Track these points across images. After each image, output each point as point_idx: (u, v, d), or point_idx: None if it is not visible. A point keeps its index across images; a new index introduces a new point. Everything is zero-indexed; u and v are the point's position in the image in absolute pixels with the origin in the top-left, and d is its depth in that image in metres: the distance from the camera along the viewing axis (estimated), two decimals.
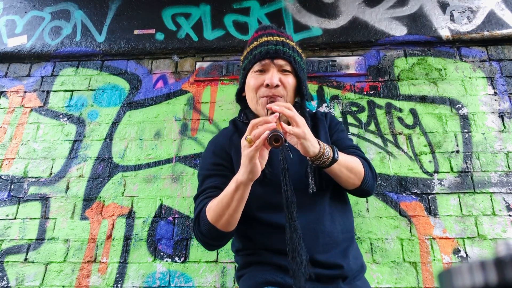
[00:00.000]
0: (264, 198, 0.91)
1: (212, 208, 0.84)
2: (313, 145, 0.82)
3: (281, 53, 0.93)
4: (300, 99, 1.05)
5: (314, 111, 1.13)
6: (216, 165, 0.98)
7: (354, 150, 1.01)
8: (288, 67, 0.95)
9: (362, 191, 0.97)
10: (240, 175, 0.78)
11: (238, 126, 1.07)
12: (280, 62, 0.94)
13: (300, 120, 0.81)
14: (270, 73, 0.93)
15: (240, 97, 1.07)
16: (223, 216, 0.83)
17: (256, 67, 0.95)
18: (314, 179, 0.91)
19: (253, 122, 0.77)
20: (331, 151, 0.86)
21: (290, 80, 0.95)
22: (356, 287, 0.88)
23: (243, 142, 0.75)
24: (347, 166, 0.89)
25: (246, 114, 1.05)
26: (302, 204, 0.88)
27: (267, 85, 0.92)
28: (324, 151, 0.84)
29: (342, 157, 0.89)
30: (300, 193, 0.87)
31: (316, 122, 1.07)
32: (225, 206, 0.82)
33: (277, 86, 0.92)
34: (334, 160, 0.85)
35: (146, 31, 2.27)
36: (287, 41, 0.97)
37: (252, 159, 0.74)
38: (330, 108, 2.05)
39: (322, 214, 0.90)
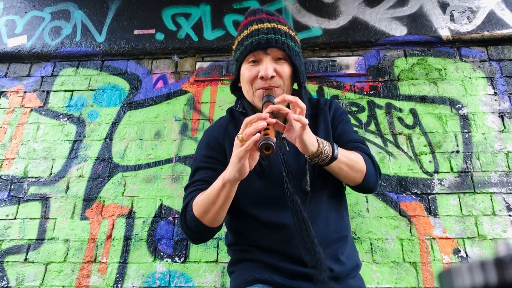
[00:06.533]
0: (261, 193, 0.89)
1: (199, 203, 0.84)
2: (312, 143, 0.79)
3: (273, 42, 0.88)
4: (298, 86, 1.01)
5: (317, 98, 1.09)
6: (209, 157, 0.96)
7: (357, 144, 0.98)
8: (282, 55, 0.91)
9: (364, 188, 0.94)
10: (227, 173, 0.77)
11: (235, 115, 1.05)
12: (273, 51, 0.90)
13: (302, 106, 0.78)
14: (264, 64, 0.89)
15: (236, 88, 1.04)
16: (209, 212, 0.82)
17: (249, 58, 0.92)
18: (311, 177, 0.89)
19: (247, 119, 0.75)
20: (330, 148, 0.83)
21: (285, 68, 0.92)
22: (348, 285, 0.87)
23: (236, 140, 0.74)
24: (348, 163, 0.87)
25: (242, 104, 1.03)
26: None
27: (262, 77, 0.90)
28: (322, 149, 0.81)
29: (342, 154, 0.86)
30: (296, 190, 0.85)
31: (317, 112, 1.03)
32: (211, 202, 0.81)
33: (272, 77, 0.90)
34: (333, 158, 0.83)
35: (146, 31, 2.27)
36: (279, 26, 0.92)
37: (241, 159, 0.73)
38: None
39: (317, 213, 0.89)
